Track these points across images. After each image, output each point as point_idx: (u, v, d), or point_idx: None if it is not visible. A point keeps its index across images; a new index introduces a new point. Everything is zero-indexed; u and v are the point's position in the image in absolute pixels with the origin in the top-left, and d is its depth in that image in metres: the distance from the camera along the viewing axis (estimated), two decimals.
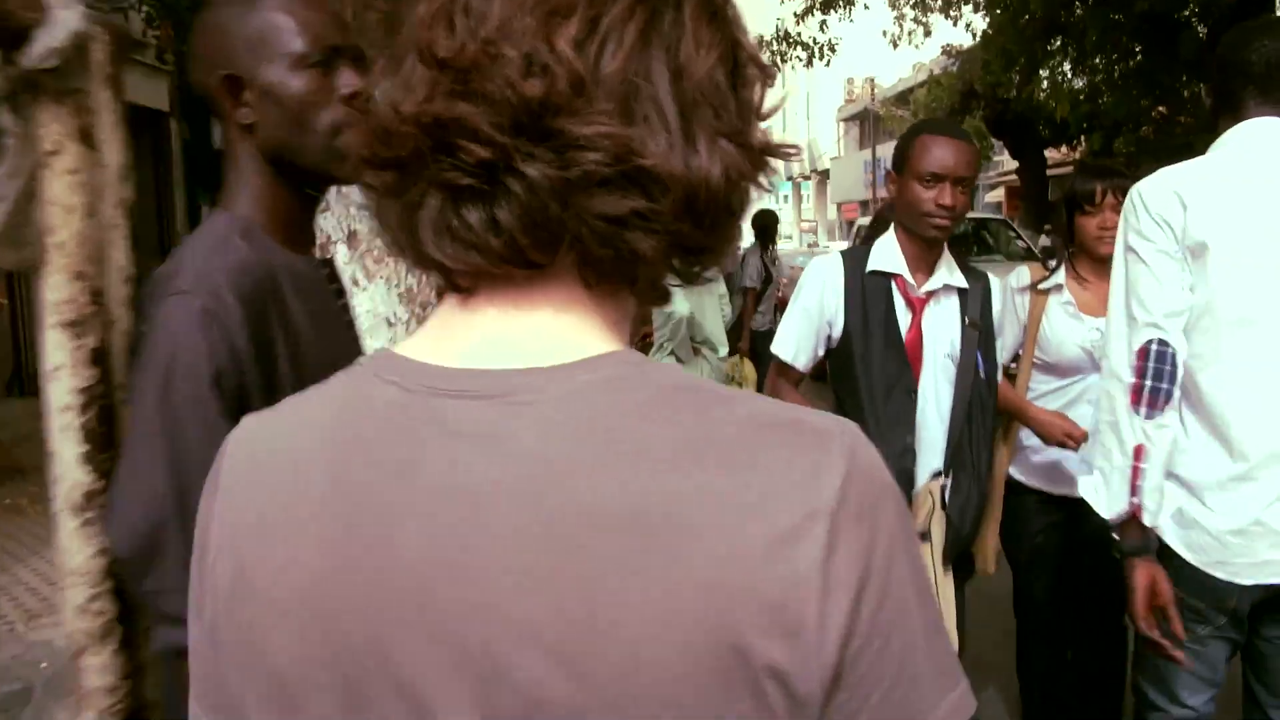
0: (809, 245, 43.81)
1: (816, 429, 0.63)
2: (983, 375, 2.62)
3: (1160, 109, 13.93)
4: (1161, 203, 1.98)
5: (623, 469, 0.60)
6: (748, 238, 11.51)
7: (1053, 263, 3.11)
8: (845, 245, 8.45)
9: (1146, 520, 1.98)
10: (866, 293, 2.58)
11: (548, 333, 0.66)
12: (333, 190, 6.13)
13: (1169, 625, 2.00)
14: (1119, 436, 1.99)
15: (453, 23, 0.63)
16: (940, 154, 2.48)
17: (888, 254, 2.63)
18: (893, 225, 2.68)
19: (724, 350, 5.66)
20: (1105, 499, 2.02)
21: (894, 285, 2.60)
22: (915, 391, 2.58)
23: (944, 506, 2.57)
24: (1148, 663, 2.17)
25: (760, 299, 8.43)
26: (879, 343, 2.56)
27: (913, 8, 16.55)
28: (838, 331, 2.61)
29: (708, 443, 0.61)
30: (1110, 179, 2.93)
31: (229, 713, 0.69)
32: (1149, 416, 1.95)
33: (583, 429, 0.61)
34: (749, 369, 8.10)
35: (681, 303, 5.25)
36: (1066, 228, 3.04)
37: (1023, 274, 3.14)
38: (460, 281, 0.67)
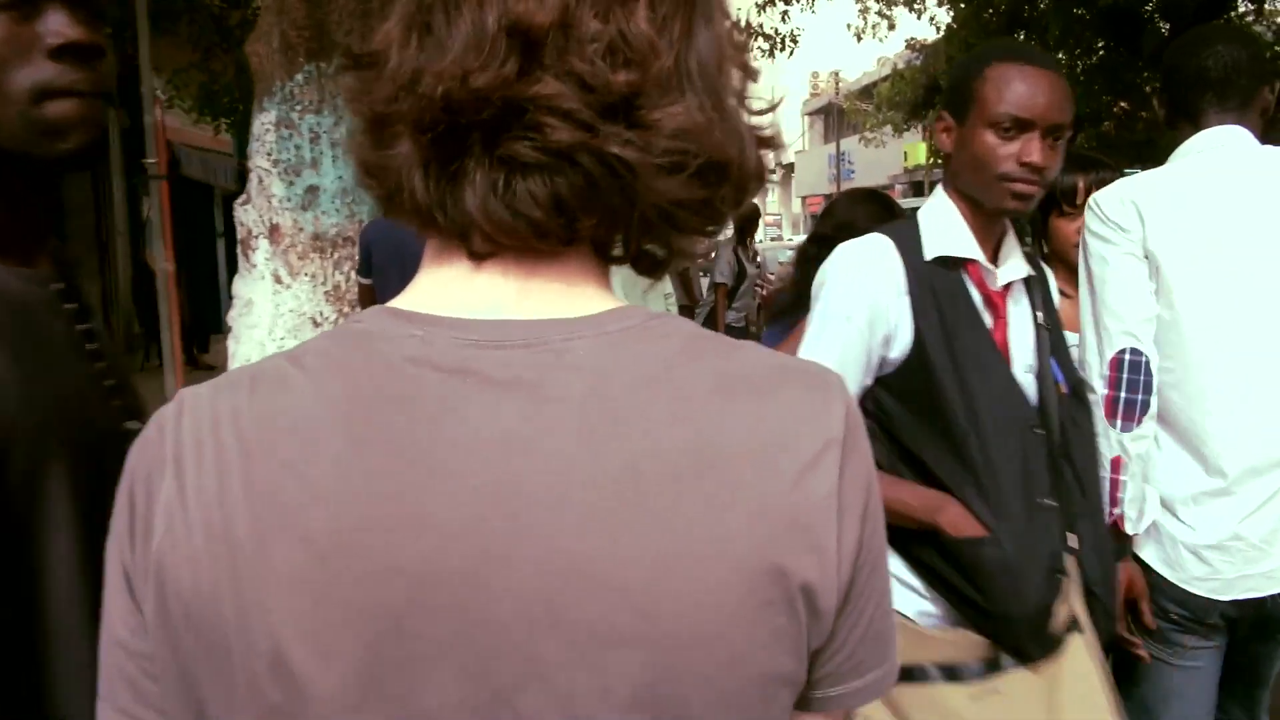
0: (772, 239, 44.81)
1: (815, 370, 0.70)
2: (1066, 389, 1.92)
3: (1122, 104, 13.93)
4: (1120, 212, 1.97)
5: (671, 410, 0.64)
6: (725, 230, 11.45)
7: None
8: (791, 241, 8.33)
9: (1128, 529, 1.97)
10: (937, 289, 1.78)
11: (568, 291, 0.68)
12: (253, 182, 5.78)
13: (1141, 619, 2.00)
14: (1096, 449, 1.98)
15: None
16: (1026, 91, 1.73)
17: (953, 232, 1.81)
18: (941, 191, 1.90)
19: None
20: None
21: (966, 276, 1.81)
22: (1045, 428, 1.80)
23: (1085, 579, 1.84)
24: (1133, 694, 2.08)
25: (733, 295, 8.13)
26: (972, 359, 1.76)
27: (876, 0, 16.53)
28: (901, 348, 1.77)
29: (738, 382, 0.66)
30: (1094, 172, 2.50)
31: (183, 703, 0.65)
32: (1125, 429, 1.93)
33: (626, 374, 0.64)
34: None
35: (619, 297, 4.94)
36: (1040, 230, 2.63)
37: None
38: (480, 247, 0.66)
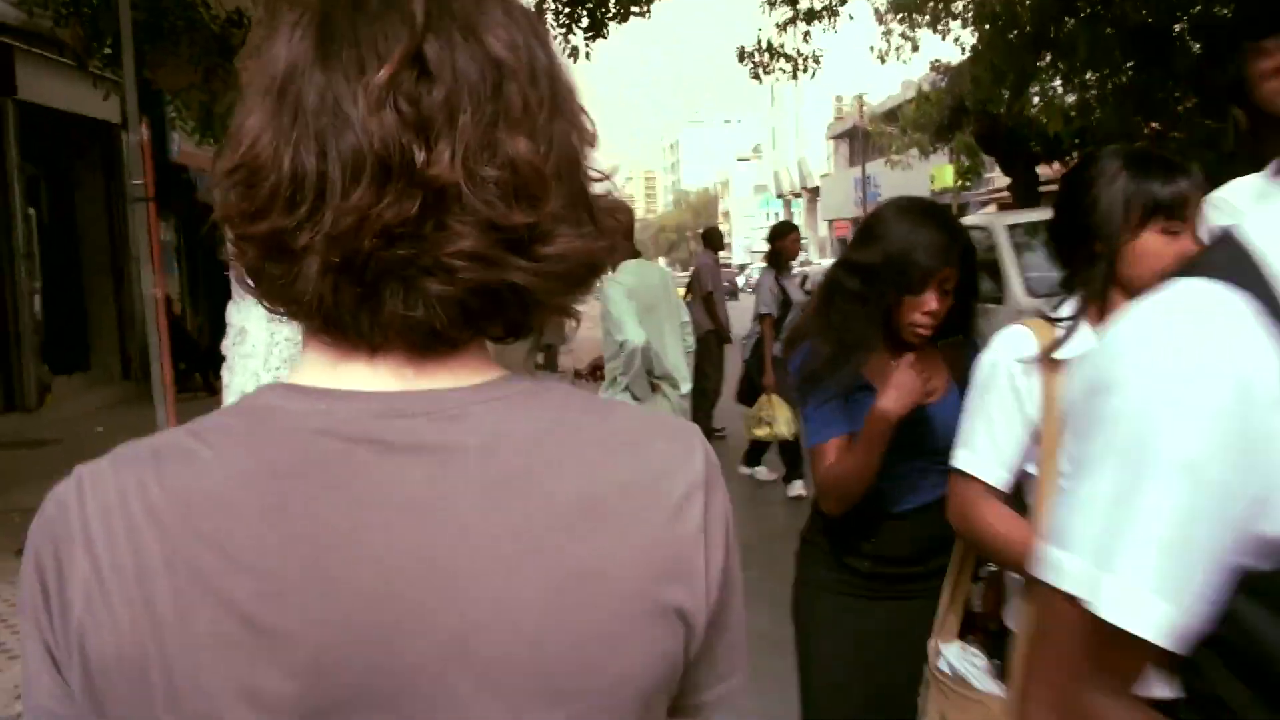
0: (801, 263, 44.65)
1: (676, 423, 0.81)
2: None
3: (1153, 124, 13.60)
4: None
5: (558, 466, 0.72)
6: (746, 257, 11.20)
7: (1064, 310, 1.97)
8: (827, 262, 7.95)
9: None
10: None
11: (459, 365, 0.75)
12: None
13: None
14: None
15: (424, 135, 0.67)
16: None
17: None
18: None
19: (686, 386, 4.92)
20: None
21: None
22: None
23: None
24: None
25: (780, 324, 7.64)
26: None
27: (900, 22, 16.38)
28: None
29: (612, 438, 0.76)
30: (1191, 180, 1.89)
31: None
32: None
33: (517, 434, 0.73)
34: (780, 408, 7.30)
35: (635, 331, 4.59)
36: (1109, 253, 1.89)
37: (1021, 338, 1.97)
38: (385, 345, 0.72)
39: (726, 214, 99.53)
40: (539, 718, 0.70)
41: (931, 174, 30.49)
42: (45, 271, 12.16)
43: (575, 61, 9.34)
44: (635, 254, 4.85)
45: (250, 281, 0.73)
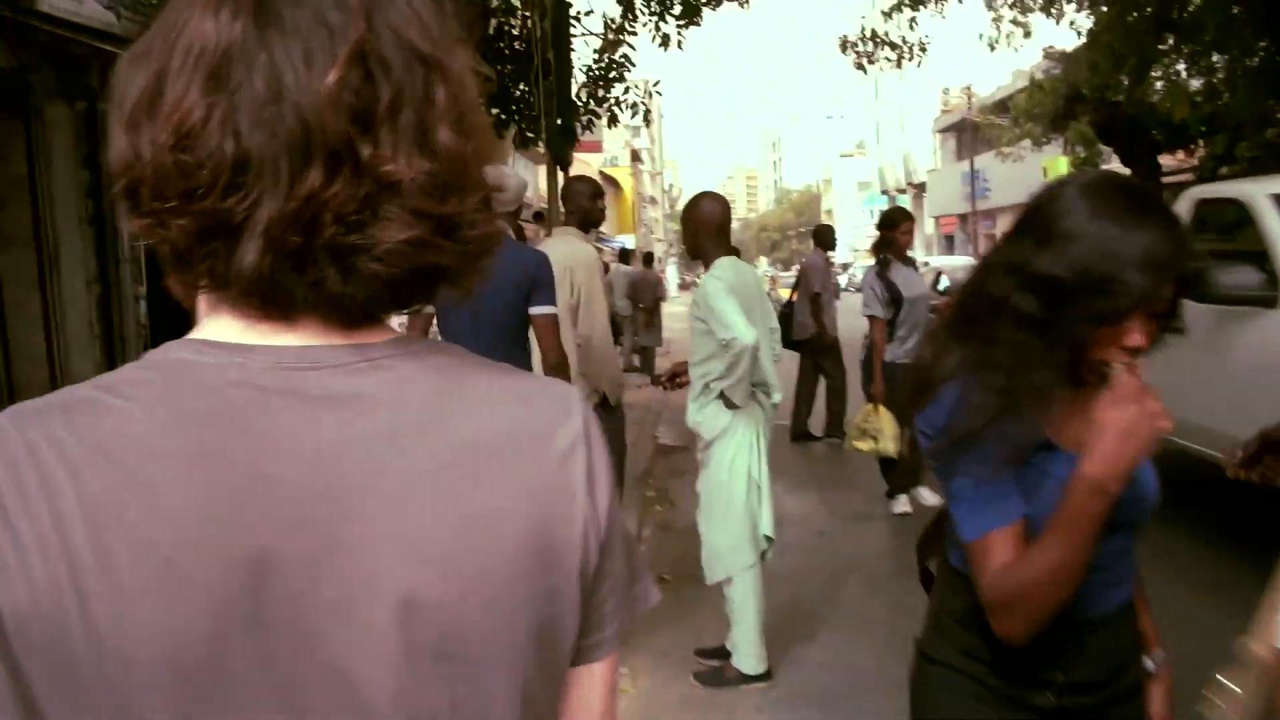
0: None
1: (555, 383, 0.87)
2: None
3: None
4: None
5: (460, 415, 0.78)
6: (842, 254, 10.73)
7: None
8: (944, 259, 7.12)
9: None
10: None
11: (365, 327, 0.79)
12: None
13: None
14: None
15: (370, 130, 0.72)
16: None
17: None
18: None
19: (778, 395, 4.34)
20: None
21: None
22: None
23: None
24: None
25: (893, 327, 6.64)
26: None
27: (1010, 8, 15.86)
28: None
29: (504, 393, 0.82)
30: None
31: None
32: None
33: (422, 386, 0.78)
34: (885, 420, 6.42)
35: (745, 329, 3.92)
36: None
37: None
38: (304, 311, 0.77)
39: (829, 212, 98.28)
40: (444, 649, 0.74)
41: (1044, 166, 29.45)
42: (150, 276, 12.33)
43: (666, 50, 8.98)
44: (732, 251, 4.36)
45: (172, 259, 0.75)
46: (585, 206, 4.95)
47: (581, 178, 5.23)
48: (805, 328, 9.60)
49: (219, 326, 0.76)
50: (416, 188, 0.73)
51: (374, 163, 0.71)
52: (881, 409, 6.43)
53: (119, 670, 0.66)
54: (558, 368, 3.94)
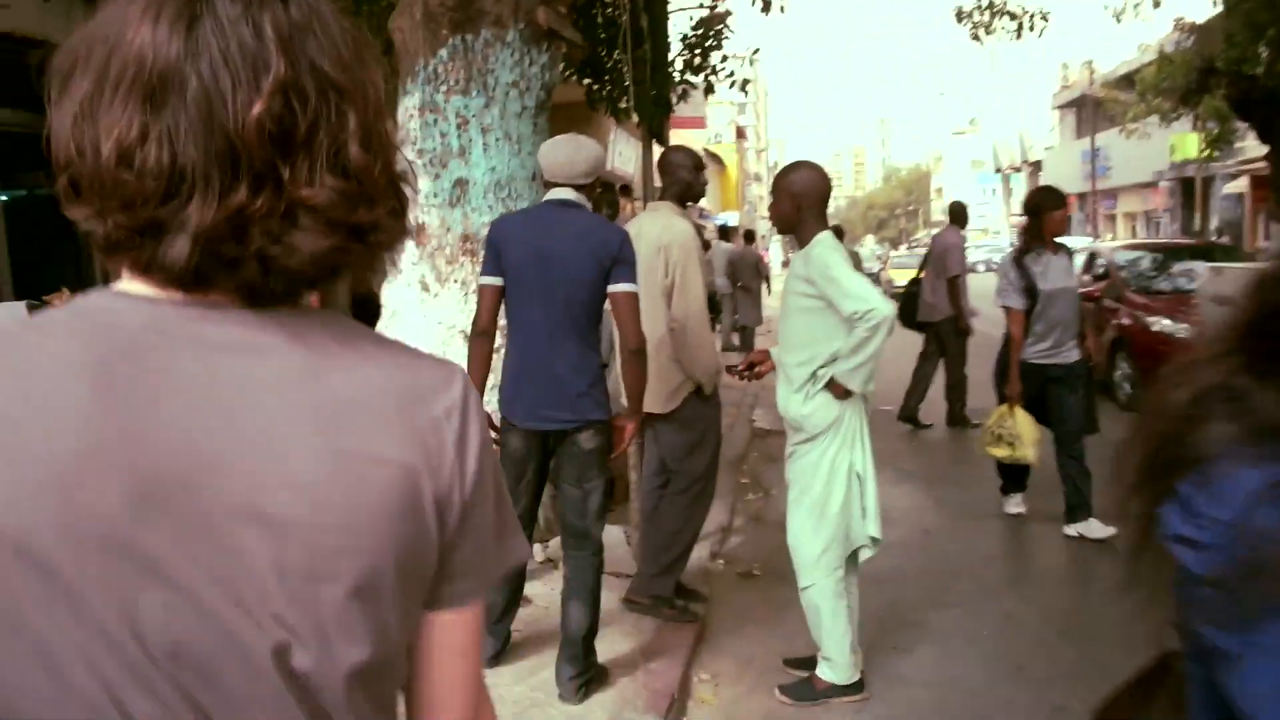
0: (1009, 245, 42.67)
1: (444, 360, 0.97)
2: None
3: None
4: None
5: (346, 371, 0.87)
6: (963, 233, 10.13)
7: None
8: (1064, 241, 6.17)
9: None
10: None
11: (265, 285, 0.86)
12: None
13: None
14: None
15: (290, 155, 0.82)
16: None
17: None
18: None
19: (871, 385, 3.79)
20: None
21: None
22: None
23: None
24: None
25: (1030, 320, 5.91)
26: None
27: None
28: None
29: (390, 357, 0.91)
30: None
31: None
32: None
33: (312, 340, 0.87)
34: (1023, 423, 5.80)
35: (881, 299, 3.53)
36: None
37: None
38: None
39: (939, 190, 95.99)
40: (312, 572, 0.82)
41: (1171, 144, 28.05)
42: None
43: (767, 14, 8.53)
44: (830, 227, 3.90)
45: (104, 244, 0.84)
46: (684, 179, 4.53)
47: (679, 148, 4.81)
48: (934, 310, 9.11)
49: (137, 285, 0.85)
50: (331, 202, 0.83)
51: (291, 185, 0.81)
52: (1018, 410, 5.82)
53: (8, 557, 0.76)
54: (636, 354, 3.62)
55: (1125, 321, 10.05)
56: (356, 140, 0.84)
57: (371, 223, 0.85)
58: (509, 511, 1.01)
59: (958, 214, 9.73)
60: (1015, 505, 6.41)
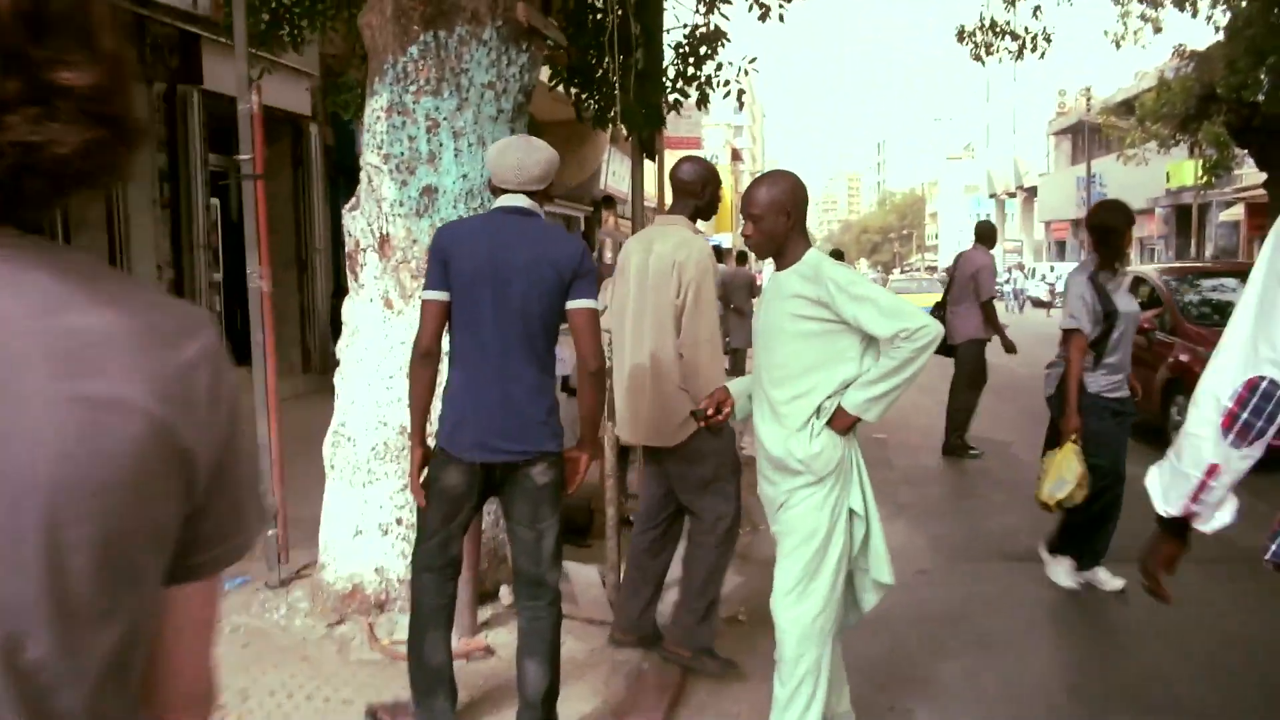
0: (1016, 265, 42.86)
1: (191, 306, 0.92)
2: None
3: None
4: None
5: (88, 308, 0.81)
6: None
7: None
8: (1053, 265, 5.99)
9: (1197, 525, 2.11)
10: None
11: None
12: (363, 183, 4.69)
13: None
14: (1198, 450, 2.04)
15: (44, 39, 0.78)
16: None
17: None
18: None
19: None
20: (1162, 493, 2.15)
21: None
22: None
23: None
24: None
25: (1102, 348, 5.12)
26: None
27: (1140, 1, 15.03)
28: None
29: (137, 298, 0.85)
30: None
31: None
32: (1235, 445, 1.98)
33: (47, 277, 0.81)
34: (1074, 464, 5.00)
35: (932, 319, 3.20)
36: None
37: None
38: None
39: (934, 215, 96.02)
40: (59, 516, 0.76)
41: (1167, 171, 27.93)
42: (228, 263, 12.04)
43: (765, 21, 8.20)
44: (830, 252, 3.54)
45: None
46: (698, 193, 4.17)
47: (693, 159, 4.44)
48: (957, 333, 8.77)
49: None
50: (88, 87, 0.79)
51: (47, 67, 0.77)
52: (1069, 446, 5.02)
53: None
54: (595, 377, 3.27)
55: (1183, 358, 8.45)
56: (108, 27, 0.81)
57: (129, 118, 0.82)
58: (256, 478, 1.00)
59: (986, 234, 9.40)
60: (1067, 576, 5.45)
